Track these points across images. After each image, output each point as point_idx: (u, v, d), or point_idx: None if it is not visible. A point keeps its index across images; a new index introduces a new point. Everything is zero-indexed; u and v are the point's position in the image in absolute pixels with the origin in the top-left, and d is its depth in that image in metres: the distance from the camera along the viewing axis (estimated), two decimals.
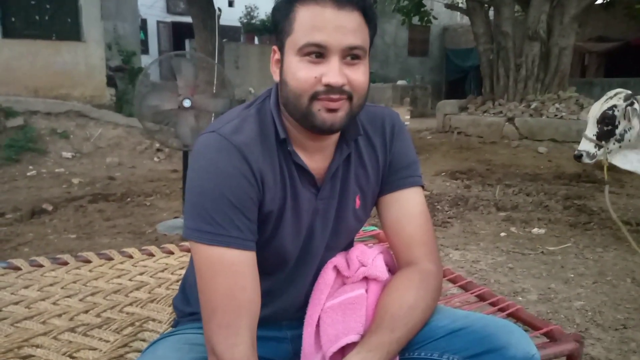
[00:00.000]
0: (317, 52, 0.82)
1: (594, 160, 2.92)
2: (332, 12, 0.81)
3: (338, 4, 0.81)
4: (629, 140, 2.87)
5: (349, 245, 1.09)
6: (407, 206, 1.01)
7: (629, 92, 2.89)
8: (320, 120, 0.85)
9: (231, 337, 0.83)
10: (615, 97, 2.89)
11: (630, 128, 2.84)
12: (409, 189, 1.01)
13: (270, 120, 0.91)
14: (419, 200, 1.02)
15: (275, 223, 0.92)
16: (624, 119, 2.81)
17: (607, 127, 2.86)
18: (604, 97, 2.95)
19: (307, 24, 0.82)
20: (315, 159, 0.95)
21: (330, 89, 0.83)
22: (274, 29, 0.89)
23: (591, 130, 2.92)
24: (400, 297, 0.92)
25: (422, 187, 1.04)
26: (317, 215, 0.97)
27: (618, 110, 2.83)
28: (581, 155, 2.91)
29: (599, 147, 2.88)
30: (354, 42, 0.83)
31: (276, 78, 0.90)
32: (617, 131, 2.85)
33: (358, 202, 1.00)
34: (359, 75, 0.85)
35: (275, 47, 0.90)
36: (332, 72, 0.82)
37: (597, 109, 2.92)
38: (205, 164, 0.85)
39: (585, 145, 2.92)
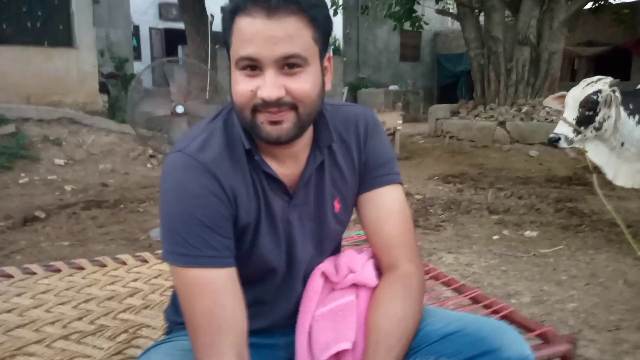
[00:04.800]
0: (252, 65, 0.80)
1: (570, 146, 2.76)
2: (262, 23, 0.78)
3: (268, 13, 0.78)
4: (605, 130, 2.74)
5: (336, 249, 1.09)
6: (385, 205, 0.99)
7: (613, 78, 2.76)
8: (265, 132, 0.84)
9: (214, 356, 0.82)
10: (599, 82, 2.73)
11: (609, 117, 2.71)
12: (386, 187, 0.99)
13: (237, 131, 0.90)
14: (397, 198, 1.00)
15: (252, 235, 0.92)
16: (605, 105, 2.68)
17: (589, 112, 2.69)
18: (584, 82, 2.79)
19: (241, 36, 0.80)
20: (287, 165, 0.93)
21: (265, 102, 0.81)
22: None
23: (571, 113, 2.72)
24: (388, 311, 0.90)
25: (401, 184, 1.02)
26: (293, 224, 0.96)
27: (602, 96, 2.69)
28: (558, 139, 2.71)
29: (577, 132, 2.71)
30: (288, 51, 0.79)
31: None
32: (597, 118, 2.70)
33: (337, 205, 0.99)
34: (299, 84, 0.82)
35: None
36: (265, 86, 0.80)
37: (578, 92, 2.75)
38: (173, 185, 0.85)
39: (563, 129, 2.73)
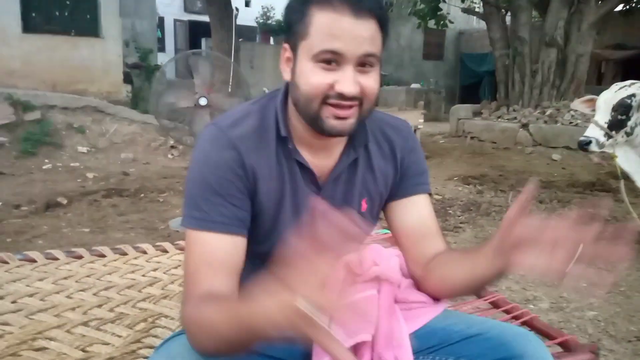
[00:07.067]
0: (331, 60, 0.83)
1: (600, 150, 2.69)
2: (349, 21, 0.81)
3: (355, 13, 0.81)
4: (636, 136, 2.69)
5: None
6: (420, 210, 1.03)
7: None
8: (329, 126, 0.86)
9: (200, 282, 0.83)
10: (633, 86, 2.67)
11: None
12: (420, 195, 1.04)
13: (272, 117, 0.93)
14: (429, 206, 1.06)
15: (273, 216, 0.94)
16: (638, 110, 2.63)
17: (622, 116, 2.63)
18: (617, 86, 2.73)
19: (324, 30, 0.82)
20: (320, 156, 0.96)
21: (342, 96, 0.84)
22: (287, 28, 0.89)
23: (603, 117, 2.67)
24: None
25: (430, 195, 1.08)
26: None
27: (636, 101, 2.63)
28: (590, 142, 2.65)
29: (608, 136, 2.65)
30: (368, 50, 0.83)
31: (286, 77, 0.90)
32: (629, 123, 2.64)
33: (364, 205, 1.01)
34: (370, 82, 0.86)
35: (286, 45, 0.89)
36: (347, 81, 0.83)
37: (610, 95, 2.69)
38: (198, 154, 0.90)
39: (594, 132, 2.66)
